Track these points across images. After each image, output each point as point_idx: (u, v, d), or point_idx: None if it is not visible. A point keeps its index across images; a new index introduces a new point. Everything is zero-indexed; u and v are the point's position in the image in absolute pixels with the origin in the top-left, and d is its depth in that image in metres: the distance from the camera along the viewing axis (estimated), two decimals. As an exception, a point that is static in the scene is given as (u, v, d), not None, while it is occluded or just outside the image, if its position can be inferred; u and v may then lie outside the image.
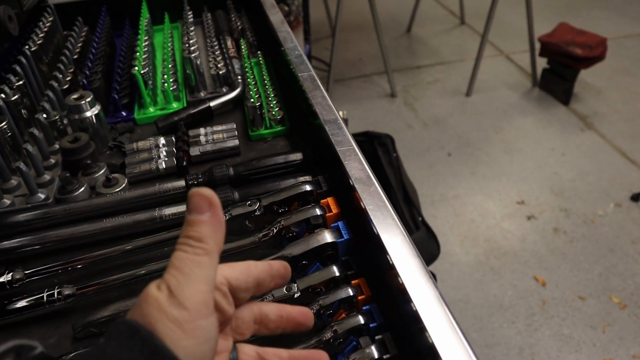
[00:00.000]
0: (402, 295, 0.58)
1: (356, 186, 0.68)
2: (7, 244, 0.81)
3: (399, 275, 0.59)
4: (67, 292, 0.71)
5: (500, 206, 2.73)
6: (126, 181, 0.95)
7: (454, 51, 4.20)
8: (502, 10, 4.24)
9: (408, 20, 4.56)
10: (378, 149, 1.97)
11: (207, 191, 0.46)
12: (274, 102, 1.08)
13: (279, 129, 1.06)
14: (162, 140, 1.03)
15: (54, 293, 0.71)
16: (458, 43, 4.34)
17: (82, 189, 0.93)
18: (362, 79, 3.90)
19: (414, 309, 0.56)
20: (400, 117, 3.44)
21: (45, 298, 0.70)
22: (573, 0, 4.94)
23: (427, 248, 1.75)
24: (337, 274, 0.67)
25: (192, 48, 1.20)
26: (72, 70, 1.22)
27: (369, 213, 0.65)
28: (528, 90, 3.66)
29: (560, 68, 3.38)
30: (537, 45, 3.48)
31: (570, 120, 3.31)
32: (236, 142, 1.01)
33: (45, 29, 1.30)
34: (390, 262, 0.60)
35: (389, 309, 0.64)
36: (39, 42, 1.23)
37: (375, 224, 0.64)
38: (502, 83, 3.74)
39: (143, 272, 0.73)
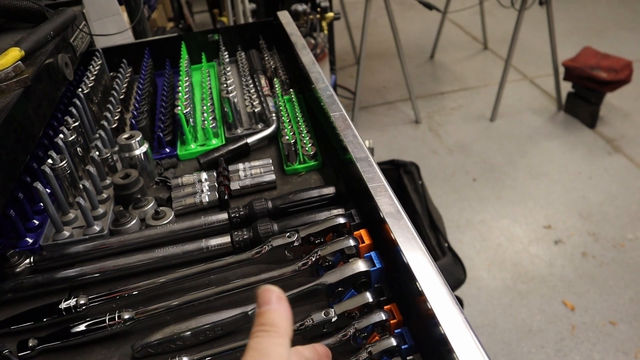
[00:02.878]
0: (430, 319, 0.65)
1: (387, 220, 0.75)
2: (70, 272, 0.89)
3: (427, 301, 0.65)
4: (127, 315, 0.79)
5: (527, 230, 2.74)
6: (173, 214, 1.03)
7: (477, 76, 4.26)
8: (525, 35, 4.29)
9: (431, 47, 4.65)
10: (404, 177, 2.03)
11: (273, 287, 0.54)
12: (307, 138, 1.16)
13: (312, 163, 1.13)
14: (204, 176, 1.12)
15: (115, 317, 0.79)
16: (481, 68, 4.40)
17: (134, 221, 1.01)
18: (387, 106, 3.98)
19: (442, 332, 0.62)
20: (425, 143, 3.50)
21: (107, 321, 0.78)
22: (597, 23, 4.97)
23: (454, 273, 1.80)
24: (371, 299, 0.74)
25: (230, 88, 1.29)
26: (119, 109, 1.33)
27: (399, 244, 0.71)
28: (553, 114, 3.68)
29: (585, 92, 3.40)
30: (561, 69, 3.51)
31: (597, 144, 3.32)
32: (273, 176, 1.09)
33: (95, 72, 1.41)
34: (420, 289, 0.66)
35: (418, 332, 0.70)
36: (90, 84, 1.34)
37: (405, 254, 0.70)
38: (527, 107, 3.77)
39: (192, 298, 0.81)
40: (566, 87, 3.58)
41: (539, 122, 3.61)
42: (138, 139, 1.13)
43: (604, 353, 2.14)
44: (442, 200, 2.90)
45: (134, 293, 0.84)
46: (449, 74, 4.38)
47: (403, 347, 0.68)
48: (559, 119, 3.63)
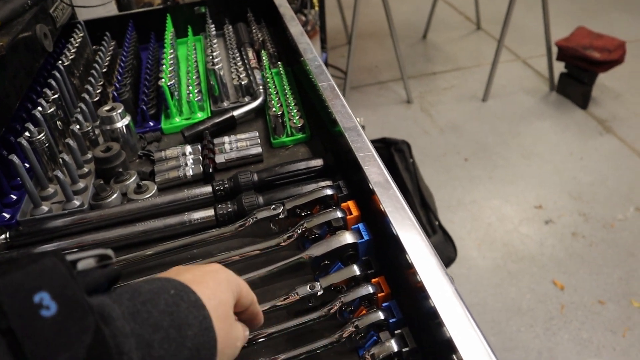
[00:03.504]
0: (420, 292, 0.62)
1: (375, 190, 0.72)
2: (47, 247, 0.86)
3: (417, 273, 0.62)
4: (105, 291, 0.76)
5: (518, 210, 2.73)
6: (156, 188, 1.00)
7: (470, 57, 4.22)
8: (519, 15, 4.24)
9: (424, 27, 4.60)
10: (395, 155, 2.01)
11: None
12: (295, 110, 1.12)
13: (299, 136, 1.10)
14: (188, 149, 1.08)
15: (93, 292, 0.76)
16: (474, 48, 4.36)
17: (115, 195, 0.98)
18: (378, 85, 3.94)
19: (432, 304, 0.60)
20: (417, 123, 3.47)
21: (85, 297, 0.76)
22: (591, 4, 4.92)
23: (444, 251, 1.78)
24: (358, 272, 0.72)
25: (216, 60, 1.26)
26: (101, 83, 1.29)
27: (388, 215, 0.69)
28: (545, 94, 3.66)
29: (578, 72, 3.37)
30: (554, 50, 3.48)
31: (588, 124, 3.31)
32: (259, 149, 1.06)
33: (77, 45, 1.36)
34: (409, 260, 0.64)
35: (407, 305, 0.67)
36: (71, 57, 1.30)
37: (394, 224, 0.67)
38: (519, 88, 3.75)
39: (175, 272, 0.78)
40: (559, 67, 3.55)
41: (532, 102, 3.59)
42: (119, 111, 1.09)
43: (592, 332, 2.15)
44: (433, 180, 2.88)
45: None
46: (442, 54, 4.33)
47: (391, 320, 0.66)
48: (551, 99, 3.60)
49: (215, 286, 0.50)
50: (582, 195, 2.79)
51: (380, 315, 0.66)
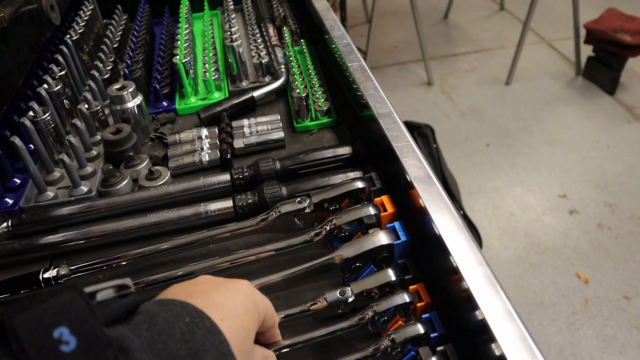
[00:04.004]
0: (467, 302, 0.54)
1: (415, 185, 0.64)
2: (52, 238, 0.79)
3: (463, 280, 0.54)
4: (112, 289, 0.69)
5: (541, 200, 2.64)
6: (169, 174, 0.93)
7: (493, 38, 4.08)
8: (545, -5, 4.09)
9: (445, 7, 4.45)
10: (418, 139, 1.92)
11: None
12: (320, 92, 1.04)
13: (325, 120, 1.02)
14: (204, 132, 1.01)
15: (99, 290, 0.69)
16: (497, 30, 4.21)
17: (125, 181, 0.91)
18: (398, 66, 3.82)
19: (481, 317, 0.52)
20: (437, 106, 3.36)
21: (90, 295, 0.69)
22: (620, -16, 4.74)
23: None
24: (393, 278, 0.64)
25: (234, 36, 1.17)
26: (112, 59, 1.21)
27: (430, 213, 0.61)
28: (571, 79, 3.52)
29: (607, 56, 3.23)
30: (582, 32, 3.33)
31: (616, 111, 3.18)
32: (281, 134, 0.98)
33: (86, 18, 1.28)
34: (454, 265, 0.56)
35: (451, 317, 0.60)
36: (80, 31, 1.22)
37: (436, 224, 0.59)
38: (544, 72, 3.61)
39: (188, 270, 0.71)
40: (586, 51, 3.41)
41: (556, 87, 3.46)
42: (131, 90, 1.01)
43: (617, 328, 2.07)
44: (454, 166, 2.78)
45: (122, 263, 0.75)
46: (463, 35, 4.19)
47: (432, 335, 0.59)
48: (577, 84, 3.47)
49: (236, 308, 0.46)
50: (608, 185, 2.69)
51: (420, 329, 0.58)
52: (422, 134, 1.87)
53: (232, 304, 0.46)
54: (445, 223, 0.60)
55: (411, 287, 0.64)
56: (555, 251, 2.38)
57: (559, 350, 2.00)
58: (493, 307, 0.52)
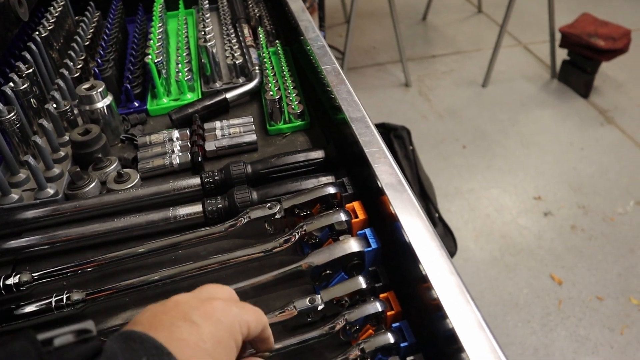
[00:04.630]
0: (436, 311, 0.54)
1: (386, 191, 0.63)
2: (15, 242, 0.77)
3: (433, 289, 0.54)
4: (76, 297, 0.67)
5: (516, 201, 2.66)
6: (138, 177, 0.91)
7: (470, 40, 4.11)
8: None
9: (424, 8, 4.47)
10: (394, 141, 1.92)
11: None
12: (294, 94, 1.03)
13: (298, 123, 1.01)
14: (176, 134, 0.99)
15: (62, 298, 0.67)
16: (475, 32, 4.25)
17: (93, 184, 0.88)
18: (376, 67, 3.83)
19: (450, 327, 0.51)
20: (415, 107, 3.37)
21: (53, 304, 0.66)
22: (595, -10, 4.82)
23: (444, 246, 1.71)
24: (364, 285, 0.63)
25: (208, 36, 1.15)
26: (83, 57, 1.18)
27: (400, 220, 0.60)
28: (546, 82, 3.57)
29: (581, 60, 3.28)
30: (558, 36, 3.38)
31: (589, 114, 3.23)
32: (254, 137, 0.97)
33: (56, 14, 1.25)
34: (423, 273, 0.55)
35: (421, 326, 0.59)
36: (49, 27, 1.19)
37: (406, 231, 0.59)
38: (520, 74, 3.65)
39: (156, 277, 0.69)
40: (561, 54, 3.46)
41: (532, 89, 3.50)
42: (100, 89, 0.99)
43: (590, 328, 2.10)
44: (430, 167, 2.80)
45: (88, 269, 0.72)
46: (442, 36, 4.21)
47: (402, 344, 0.58)
48: (552, 87, 3.52)
49: (204, 343, 0.42)
50: (582, 187, 2.73)
51: (390, 338, 0.57)
52: (398, 135, 1.87)
53: (200, 338, 0.42)
54: (416, 230, 0.59)
55: (382, 295, 0.63)
56: (530, 252, 2.41)
57: (533, 351, 2.02)
58: (463, 317, 0.52)
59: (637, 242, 2.43)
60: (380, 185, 0.64)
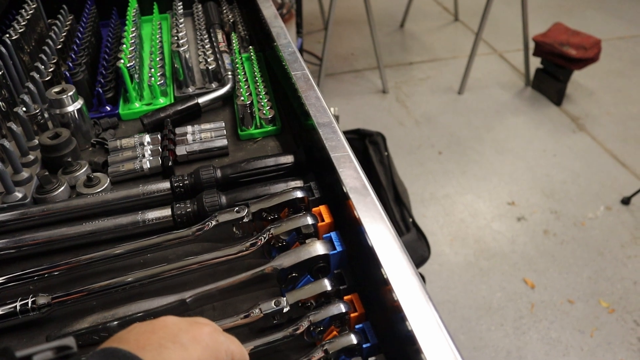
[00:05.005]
0: (396, 312, 0.55)
1: (350, 195, 0.65)
2: (-21, 247, 0.76)
3: (393, 291, 0.55)
4: (41, 301, 0.67)
5: (490, 207, 2.71)
6: (108, 181, 0.91)
7: (447, 48, 4.17)
8: (497, 8, 4.21)
9: (402, 16, 4.52)
10: (369, 147, 1.94)
11: None
12: (265, 100, 1.04)
13: (269, 128, 1.02)
14: (147, 138, 0.99)
15: (27, 302, 0.66)
16: (451, 40, 4.31)
17: (62, 188, 0.88)
18: (354, 74, 3.86)
19: (410, 328, 0.53)
20: (392, 113, 3.41)
21: (18, 308, 0.66)
22: (567, 1, 4.93)
23: (417, 250, 1.73)
24: (329, 288, 0.64)
25: (182, 41, 1.15)
26: (55, 61, 1.17)
27: (364, 224, 0.62)
28: (520, 89, 3.64)
29: (554, 68, 3.36)
30: (531, 45, 3.45)
31: (562, 121, 3.30)
32: (225, 141, 0.97)
33: (28, 17, 1.24)
34: (385, 276, 0.57)
35: (383, 328, 0.60)
36: (20, 30, 1.18)
37: (369, 236, 0.60)
38: (495, 82, 3.72)
39: (124, 280, 0.69)
40: (535, 63, 3.53)
41: (507, 97, 3.56)
42: (71, 93, 0.98)
43: (561, 331, 2.14)
44: (406, 173, 2.83)
45: (55, 273, 0.72)
46: (419, 44, 4.27)
47: (364, 345, 0.59)
48: (526, 94, 3.58)
49: (198, 358, 0.43)
50: (554, 192, 2.78)
51: (353, 339, 0.59)
52: (373, 141, 1.89)
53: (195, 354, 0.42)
54: (379, 234, 0.61)
55: (346, 297, 0.64)
56: (503, 257, 2.44)
57: (505, 354, 2.05)
58: (421, 319, 0.53)
59: (606, 246, 2.49)
60: (345, 190, 0.66)
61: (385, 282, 0.57)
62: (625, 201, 2.69)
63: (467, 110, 3.42)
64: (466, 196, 2.77)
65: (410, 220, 1.79)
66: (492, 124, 3.30)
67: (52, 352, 0.37)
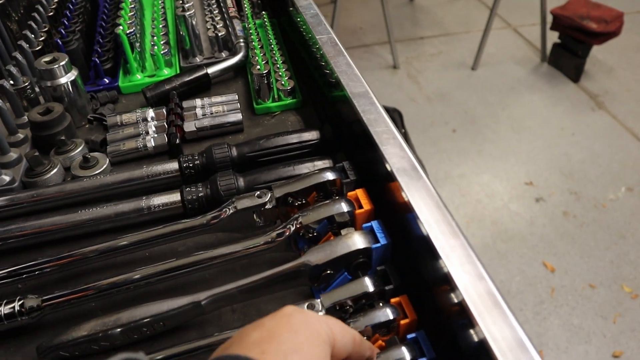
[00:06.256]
0: (461, 319, 0.45)
1: (398, 177, 0.54)
2: (-41, 238, 0.66)
3: (457, 289, 0.45)
4: (30, 304, 0.56)
5: (507, 187, 2.60)
6: (108, 162, 0.80)
7: (459, 22, 4.02)
8: (511, -20, 4.05)
9: (411, -12, 4.36)
10: (386, 125, 1.82)
11: None
12: (283, 69, 0.92)
13: (288, 101, 0.91)
14: (151, 113, 0.88)
15: (14, 306, 0.56)
16: (464, 14, 4.16)
17: (55, 170, 0.78)
18: (363, 49, 3.72)
19: (481, 337, 0.43)
20: (403, 90, 3.28)
21: (3, 312, 0.56)
22: (583, -28, 4.75)
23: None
24: (371, 288, 0.54)
25: (187, 5, 1.04)
26: (46, 29, 1.06)
27: (415, 210, 0.51)
28: (536, 65, 3.50)
29: (572, 43, 3.21)
30: (549, 19, 3.30)
31: (580, 99, 3.17)
32: (239, 116, 0.86)
33: (16, -20, 1.12)
34: (445, 271, 0.46)
35: (442, 338, 0.50)
36: (7, -6, 1.06)
37: (424, 223, 0.50)
38: (510, 57, 3.58)
39: (126, 278, 0.59)
40: (551, 37, 3.39)
41: (522, 73, 3.43)
42: (63, 63, 0.87)
43: (583, 317, 2.05)
44: (420, 151, 2.72)
45: (47, 270, 0.62)
46: (430, 17, 4.11)
47: (420, 360, 0.49)
48: (542, 70, 3.45)
49: (294, 347, 0.37)
50: (573, 172, 2.67)
51: (406, 354, 0.48)
52: (390, 118, 1.78)
53: (289, 343, 0.37)
54: (435, 222, 0.50)
55: (393, 300, 0.54)
56: (521, 239, 2.35)
57: (525, 340, 1.97)
58: (496, 327, 0.43)
59: (628, 228, 2.39)
60: (390, 170, 0.55)
61: (446, 280, 0.46)
62: (648, 181, 2.58)
63: (481, 87, 3.30)
64: (482, 176, 2.66)
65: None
66: (507, 101, 3.17)
67: None
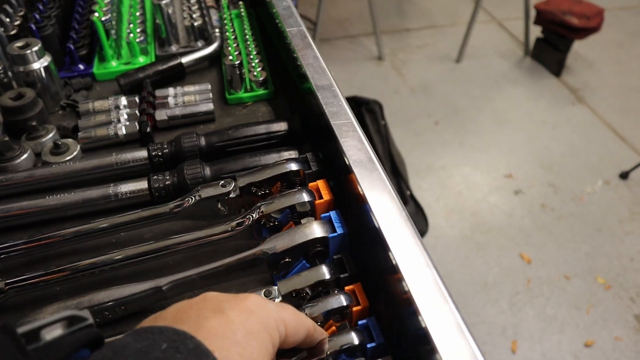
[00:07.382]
0: (407, 306, 0.47)
1: (354, 169, 0.55)
2: None
3: (403, 280, 0.47)
4: (-6, 287, 0.58)
5: (488, 179, 2.63)
6: (79, 148, 0.81)
7: (445, 14, 4.03)
8: (497, -26, 4.07)
9: (398, -20, 4.36)
10: (366, 115, 1.84)
11: None
12: (256, 60, 0.93)
13: (260, 92, 0.92)
14: (123, 101, 0.88)
15: (-23, 288, 0.57)
16: (449, 6, 4.16)
17: (25, 155, 0.78)
18: (349, 39, 3.72)
19: (422, 326, 0.45)
20: (387, 81, 3.29)
21: (-35, 294, 0.57)
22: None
23: (416, 225, 1.65)
24: (327, 276, 0.55)
25: (163, -6, 1.04)
26: (22, 13, 1.05)
27: (369, 202, 0.53)
28: (519, 59, 3.53)
29: (554, 38, 3.24)
30: (532, 13, 3.33)
31: (561, 93, 3.21)
32: (210, 106, 0.87)
33: (-9, -36, 1.11)
34: (394, 262, 0.48)
35: (391, 324, 0.52)
36: (-18, -22, 1.05)
37: (376, 215, 0.51)
38: (494, 50, 3.60)
39: (93, 263, 0.60)
40: (535, 32, 3.42)
41: (505, 66, 3.45)
42: (36, 48, 0.87)
43: (557, 308, 2.09)
44: (402, 143, 2.74)
45: (13, 254, 0.63)
46: (416, 9, 4.12)
47: (368, 345, 0.51)
48: (525, 64, 3.48)
49: (234, 334, 0.37)
50: (552, 165, 2.71)
51: (355, 339, 0.50)
52: (370, 109, 1.79)
53: (230, 329, 0.37)
54: (387, 214, 0.52)
55: (347, 287, 0.56)
56: (500, 231, 2.38)
57: (501, 330, 2.01)
58: (437, 316, 0.45)
59: (604, 221, 2.43)
60: (347, 162, 0.56)
61: (394, 270, 0.48)
62: (624, 175, 2.62)
63: (465, 80, 3.32)
64: (463, 168, 2.69)
65: (408, 193, 1.70)
66: (490, 94, 3.20)
67: (63, 326, 0.33)
